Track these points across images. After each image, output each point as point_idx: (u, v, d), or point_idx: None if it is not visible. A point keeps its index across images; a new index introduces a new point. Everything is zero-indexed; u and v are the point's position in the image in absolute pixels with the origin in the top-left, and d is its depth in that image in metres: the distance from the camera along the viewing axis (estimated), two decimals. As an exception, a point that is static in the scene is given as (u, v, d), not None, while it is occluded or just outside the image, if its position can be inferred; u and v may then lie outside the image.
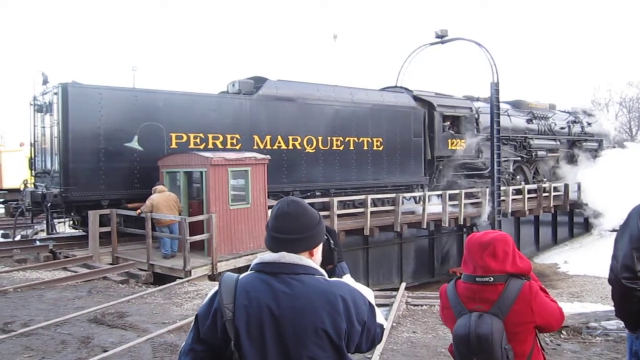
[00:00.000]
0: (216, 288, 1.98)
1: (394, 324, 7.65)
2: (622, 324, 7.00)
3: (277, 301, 1.88)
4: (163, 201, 11.50)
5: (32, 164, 14.91)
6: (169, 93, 13.85)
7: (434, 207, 18.24)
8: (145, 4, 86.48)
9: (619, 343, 6.48)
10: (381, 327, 2.06)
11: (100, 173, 12.59)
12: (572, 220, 25.84)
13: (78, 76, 35.02)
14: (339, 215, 15.20)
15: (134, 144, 12.34)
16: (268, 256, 1.99)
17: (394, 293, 9.41)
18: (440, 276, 18.64)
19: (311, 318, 1.86)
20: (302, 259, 1.96)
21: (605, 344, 6.65)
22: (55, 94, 12.57)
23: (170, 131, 13.35)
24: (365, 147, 17.47)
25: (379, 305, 7.30)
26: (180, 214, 11.61)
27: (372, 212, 15.99)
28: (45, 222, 15.04)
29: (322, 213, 14.35)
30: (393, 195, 17.13)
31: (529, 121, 24.66)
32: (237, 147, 14.42)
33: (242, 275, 1.99)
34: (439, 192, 18.51)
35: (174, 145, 13.41)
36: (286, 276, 1.92)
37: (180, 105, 13.75)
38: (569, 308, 9.45)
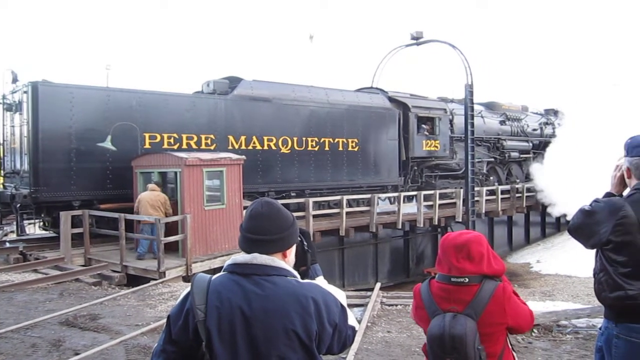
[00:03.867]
0: (188, 289, 1.97)
1: (369, 324, 7.68)
2: (591, 322, 7.16)
3: (248, 302, 1.88)
4: (149, 200, 11.39)
5: (1, 164, 14.61)
6: (142, 92, 13.69)
7: (409, 207, 18.38)
8: (119, 2, 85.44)
9: (588, 340, 6.60)
10: (353, 328, 2.07)
11: (71, 173, 12.38)
12: (545, 220, 26.28)
13: (49, 75, 34.42)
14: (314, 216, 15.21)
15: (107, 144, 12.16)
16: (241, 257, 1.99)
17: (369, 293, 9.44)
18: (415, 276, 18.77)
19: (282, 319, 1.86)
20: (274, 260, 1.97)
21: (575, 342, 6.77)
22: (25, 92, 12.34)
23: (144, 131, 13.19)
24: (341, 148, 17.51)
25: (354, 306, 7.34)
26: (166, 215, 11.49)
27: (347, 213, 16.05)
28: (14, 223, 14.75)
29: (297, 214, 14.53)
30: (368, 195, 17.20)
31: (502, 122, 25.00)
32: (212, 148, 14.33)
33: (214, 276, 1.99)
34: (414, 193, 18.65)
35: (147, 146, 13.26)
36: (258, 277, 1.92)
37: (154, 105, 13.60)
38: (541, 307, 9.60)
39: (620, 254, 2.76)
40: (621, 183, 2.96)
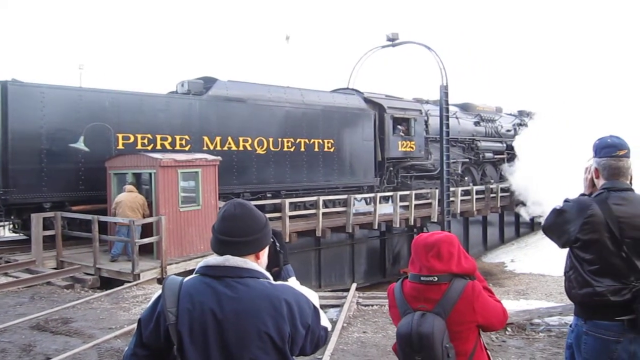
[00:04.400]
0: (160, 292, 1.95)
1: (345, 325, 7.68)
2: (563, 320, 7.27)
3: (220, 305, 1.87)
4: (127, 202, 11.25)
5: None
6: (115, 93, 13.52)
7: (385, 208, 18.47)
8: (93, 1, 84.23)
9: (560, 338, 6.70)
10: (325, 329, 2.07)
11: (42, 174, 12.15)
12: (518, 220, 26.64)
13: (20, 74, 33.81)
14: (290, 217, 15.20)
15: (80, 145, 11.98)
16: (213, 259, 1.97)
17: (345, 294, 9.44)
18: (392, 276, 18.87)
19: (254, 322, 1.85)
20: (247, 262, 1.95)
21: (548, 339, 6.87)
22: (-6, 92, 12.09)
23: (117, 132, 13.02)
24: (317, 149, 17.52)
25: (330, 306, 7.33)
26: (144, 217, 11.36)
27: (323, 214, 16.06)
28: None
29: (273, 215, 14.50)
30: (345, 196, 17.23)
31: (477, 124, 25.28)
32: (187, 148, 14.21)
33: (186, 279, 1.97)
34: (390, 193, 18.75)
35: (120, 146, 13.09)
36: (231, 280, 1.91)
37: (127, 105, 13.44)
38: (515, 305, 9.71)
39: (587, 251, 2.82)
40: (593, 185, 3.03)
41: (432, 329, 2.38)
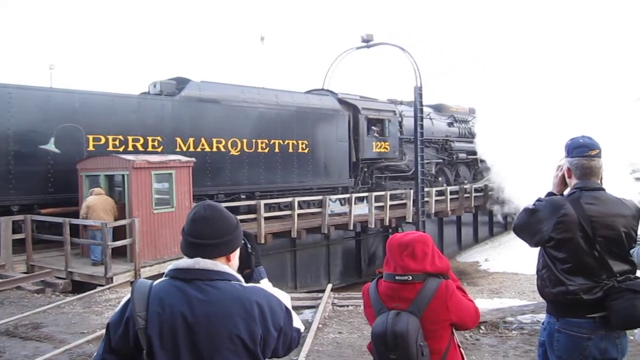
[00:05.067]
0: (129, 296, 1.92)
1: (320, 325, 7.67)
2: (535, 318, 7.36)
3: (191, 308, 1.84)
4: (100, 204, 11.08)
5: None
6: (86, 93, 13.31)
7: (360, 208, 18.52)
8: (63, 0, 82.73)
9: (533, 336, 6.78)
10: (298, 331, 2.06)
11: (9, 177, 11.86)
12: (492, 219, 26.97)
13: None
14: (266, 218, 15.15)
15: (51, 146, 11.75)
16: (183, 262, 1.95)
17: (320, 295, 9.43)
18: (367, 277, 18.89)
19: (225, 325, 1.83)
20: (217, 264, 1.93)
21: (521, 337, 6.95)
22: (-41, 92, 11.79)
23: (88, 133, 12.79)
24: (291, 150, 17.49)
25: (305, 308, 7.31)
26: (115, 219, 11.20)
27: (299, 215, 16.05)
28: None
29: (248, 216, 14.42)
30: (320, 197, 17.23)
31: (450, 124, 25.55)
32: (159, 150, 14.04)
33: (155, 282, 1.95)
34: (365, 194, 18.81)
35: (91, 148, 12.86)
36: (201, 282, 1.89)
37: (98, 106, 13.21)
38: (489, 304, 9.84)
39: (561, 250, 2.86)
40: (562, 183, 3.07)
41: (406, 328, 2.40)
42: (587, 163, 2.94)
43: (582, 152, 2.96)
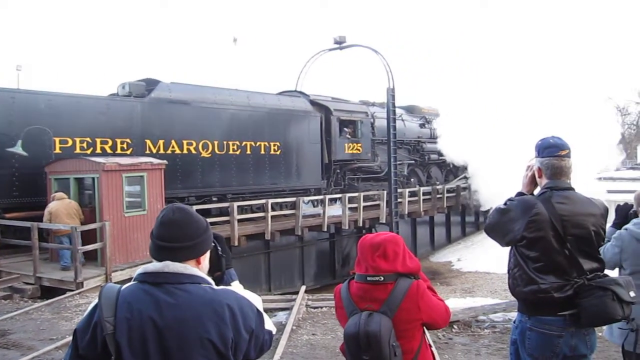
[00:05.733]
0: (96, 301, 1.89)
1: (294, 327, 7.66)
2: (507, 316, 7.44)
3: (160, 312, 1.82)
4: (63, 209, 10.85)
5: None
6: (52, 95, 13.06)
7: (334, 210, 18.52)
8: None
9: (504, 334, 6.86)
10: (270, 333, 2.04)
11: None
12: (464, 219, 27.28)
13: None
14: (239, 220, 15.06)
15: (18, 149, 11.49)
16: (151, 266, 1.93)
17: (294, 297, 9.43)
18: (341, 278, 18.83)
19: (196, 328, 1.81)
20: (187, 267, 1.91)
21: (493, 336, 7.02)
22: None
23: (54, 135, 12.54)
24: (263, 152, 17.41)
25: (279, 310, 7.26)
26: (81, 223, 10.99)
27: (272, 216, 15.99)
28: None
29: (220, 218, 14.28)
30: (293, 199, 17.18)
31: (422, 126, 25.75)
32: (128, 152, 13.83)
33: (124, 287, 1.92)
34: (339, 195, 18.81)
35: (57, 150, 12.60)
36: (170, 286, 1.86)
37: (65, 108, 12.97)
38: (462, 303, 9.93)
39: (532, 249, 2.89)
40: (532, 182, 3.11)
41: (379, 328, 2.40)
42: (558, 163, 2.98)
43: (553, 152, 3.00)
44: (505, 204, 3.02)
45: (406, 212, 21.54)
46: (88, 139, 13.24)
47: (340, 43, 22.05)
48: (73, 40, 75.85)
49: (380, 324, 2.41)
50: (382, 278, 2.50)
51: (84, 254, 10.68)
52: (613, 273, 3.45)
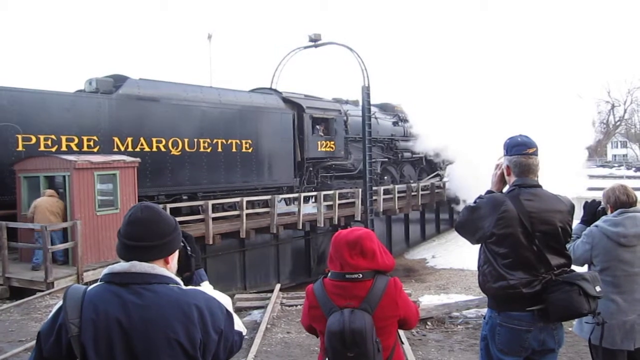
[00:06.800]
0: (61, 302, 1.86)
1: (269, 326, 7.65)
2: (480, 312, 7.52)
3: (127, 313, 1.79)
4: (48, 205, 10.66)
5: None
6: (15, 90, 12.73)
7: (308, 208, 18.51)
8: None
9: (477, 330, 6.93)
10: (240, 334, 2.02)
11: None
12: (439, 217, 27.51)
13: None
14: (214, 219, 14.96)
15: None
16: (118, 266, 1.90)
17: (269, 295, 9.42)
18: (317, 275, 18.78)
19: (163, 329, 1.79)
20: (154, 267, 1.88)
21: (466, 332, 7.10)
22: None
23: (16, 132, 12.25)
24: (234, 149, 17.27)
25: (254, 308, 7.21)
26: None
27: (247, 215, 15.92)
28: None
29: (192, 217, 14.13)
30: (268, 197, 17.11)
31: (395, 124, 25.86)
32: (95, 150, 13.58)
33: (89, 288, 1.89)
34: (314, 193, 18.82)
35: (20, 148, 12.32)
36: (138, 286, 1.84)
37: (29, 104, 12.66)
38: (436, 300, 9.99)
39: (502, 246, 2.94)
40: (501, 181, 3.17)
41: (364, 325, 2.41)
42: (525, 161, 3.03)
43: (521, 150, 3.05)
44: (475, 202, 3.07)
45: (381, 210, 21.65)
46: (53, 137, 12.95)
47: (315, 41, 22.06)
48: (39, 35, 74.24)
49: (364, 321, 2.42)
50: (361, 276, 2.51)
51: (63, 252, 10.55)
52: (582, 269, 3.50)
